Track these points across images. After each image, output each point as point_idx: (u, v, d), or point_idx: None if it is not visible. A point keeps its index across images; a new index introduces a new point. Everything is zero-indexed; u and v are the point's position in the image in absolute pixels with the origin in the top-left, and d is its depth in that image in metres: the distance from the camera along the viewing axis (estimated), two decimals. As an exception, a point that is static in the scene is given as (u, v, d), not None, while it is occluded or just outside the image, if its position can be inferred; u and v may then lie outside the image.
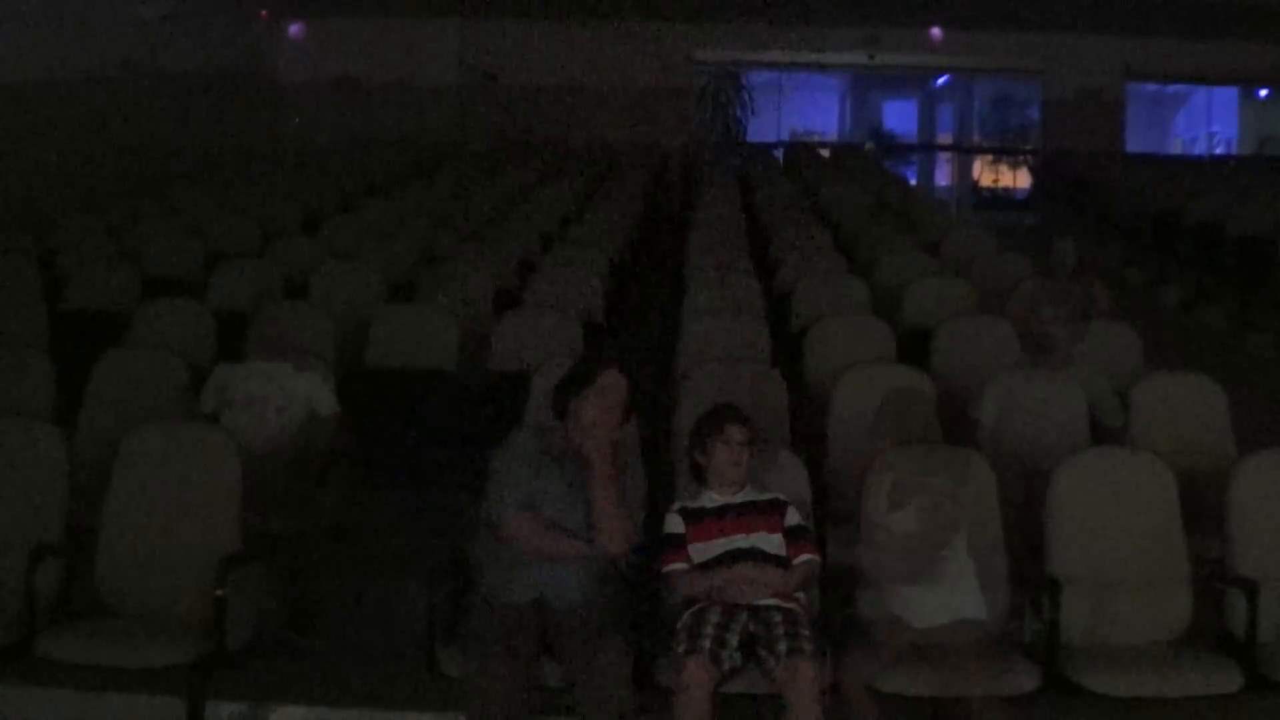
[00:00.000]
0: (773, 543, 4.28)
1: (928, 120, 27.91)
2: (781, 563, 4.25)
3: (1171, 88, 25.11)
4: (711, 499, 4.38)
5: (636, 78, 19.85)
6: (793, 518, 4.35)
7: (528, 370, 5.90)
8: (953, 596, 4.16)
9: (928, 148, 27.02)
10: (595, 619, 4.06)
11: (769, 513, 4.34)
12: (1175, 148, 25.20)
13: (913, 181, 21.50)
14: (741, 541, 4.26)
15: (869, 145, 24.51)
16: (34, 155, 12.67)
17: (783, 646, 3.92)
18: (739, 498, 4.37)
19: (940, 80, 25.96)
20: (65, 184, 12.57)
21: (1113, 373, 6.15)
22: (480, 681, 3.87)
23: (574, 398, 4.28)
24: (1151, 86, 23.91)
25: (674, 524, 4.34)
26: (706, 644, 3.93)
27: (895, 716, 4.09)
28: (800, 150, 21.02)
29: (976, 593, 4.20)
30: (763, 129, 24.11)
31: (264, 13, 19.48)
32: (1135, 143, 22.11)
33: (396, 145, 17.59)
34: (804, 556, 4.28)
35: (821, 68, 23.83)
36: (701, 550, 4.28)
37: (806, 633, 4.02)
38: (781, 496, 4.42)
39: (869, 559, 4.26)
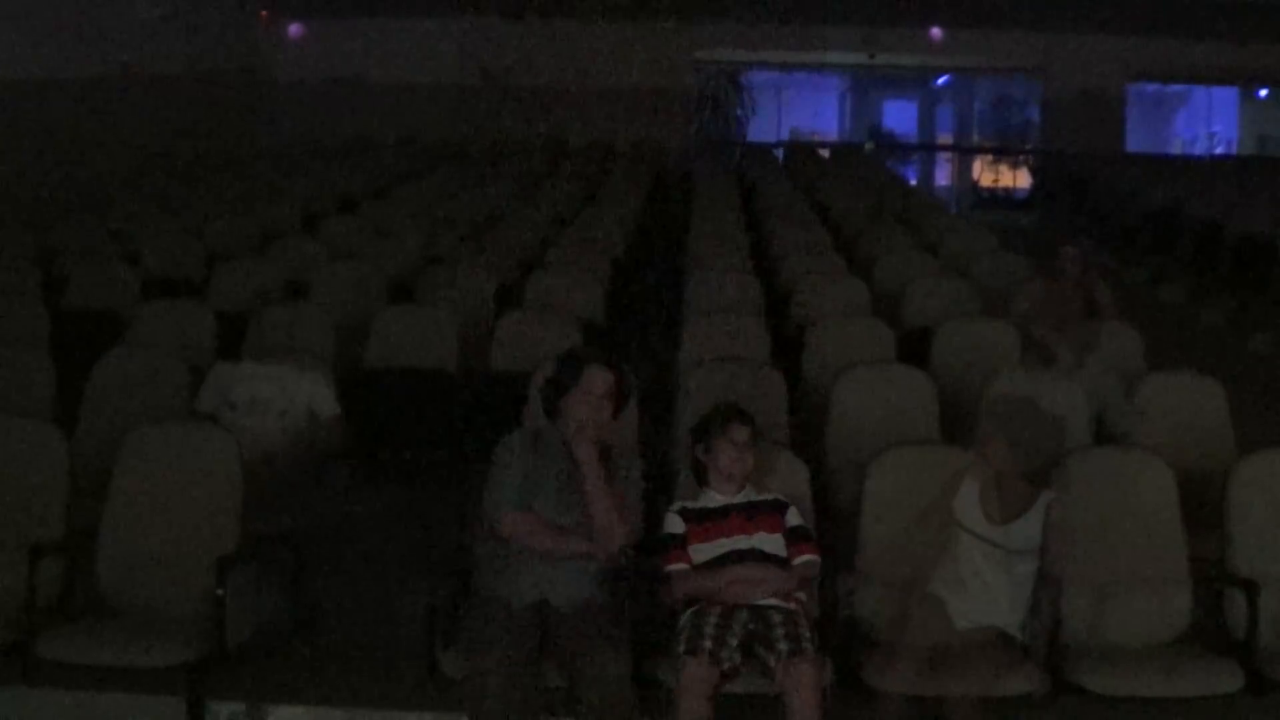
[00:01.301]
0: (773, 543, 4.28)
1: (928, 120, 27.94)
2: (782, 563, 4.25)
3: (1171, 88, 25.12)
4: (713, 499, 4.38)
5: (636, 78, 19.84)
6: (793, 518, 4.35)
7: (528, 370, 5.90)
8: (992, 600, 4.15)
9: (928, 148, 27.04)
10: (595, 619, 4.06)
11: (770, 513, 4.34)
12: (1175, 148, 25.22)
13: (913, 181, 21.51)
14: (742, 542, 4.26)
15: (869, 145, 24.52)
16: (34, 155, 12.67)
17: (783, 646, 3.92)
18: (740, 498, 4.37)
19: (940, 80, 25.97)
20: (65, 184, 12.57)
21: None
22: (480, 682, 3.86)
23: (562, 397, 4.28)
24: (1151, 86, 23.92)
25: (674, 524, 4.33)
26: (706, 644, 3.93)
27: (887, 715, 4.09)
28: (800, 150, 21.02)
29: (1009, 597, 4.19)
30: (763, 129, 24.13)
31: (264, 13, 19.49)
32: (1135, 143, 22.11)
33: (396, 145, 17.59)
34: (804, 557, 4.28)
35: (821, 68, 23.84)
36: (702, 551, 4.28)
37: (807, 633, 4.01)
38: (782, 497, 4.42)
39: (947, 562, 4.22)
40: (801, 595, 4.25)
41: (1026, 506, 4.19)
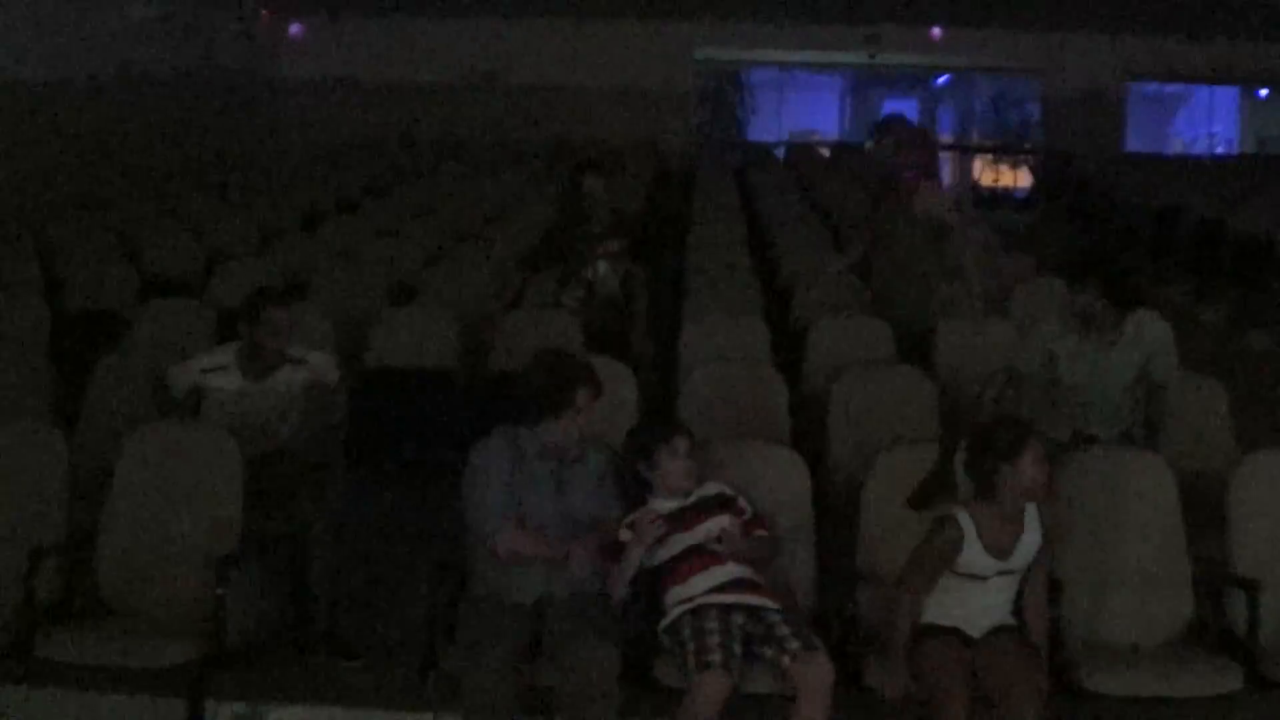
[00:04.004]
0: (730, 523, 4.26)
1: (928, 120, 27.93)
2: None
3: (1171, 88, 25.12)
4: (663, 506, 4.30)
5: (636, 78, 19.84)
6: (745, 506, 4.33)
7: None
8: (997, 606, 4.13)
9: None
10: (587, 612, 4.07)
11: (723, 506, 4.31)
12: (1175, 148, 25.21)
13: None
14: (699, 533, 4.22)
15: (869, 145, 24.50)
16: (34, 155, 12.66)
17: (795, 645, 3.92)
18: (691, 499, 4.32)
19: (940, 79, 25.97)
20: (65, 184, 12.57)
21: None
22: (475, 681, 3.87)
23: (550, 419, 4.25)
24: (1152, 86, 23.91)
25: (624, 536, 4.27)
26: (717, 656, 3.91)
27: (888, 715, 4.09)
28: (800, 150, 21.02)
29: (1008, 599, 4.16)
30: (763, 129, 24.12)
31: (265, 12, 19.49)
32: (1135, 143, 22.11)
33: (396, 145, 17.59)
34: (758, 533, 4.29)
35: (821, 67, 23.83)
36: (665, 549, 4.22)
37: (808, 631, 4.02)
38: (728, 491, 4.36)
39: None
40: (759, 579, 4.21)
41: (1021, 523, 4.11)
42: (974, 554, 4.03)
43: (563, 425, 4.23)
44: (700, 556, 4.19)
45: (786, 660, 3.90)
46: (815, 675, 3.86)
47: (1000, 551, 4.05)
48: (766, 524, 4.37)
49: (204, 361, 5.37)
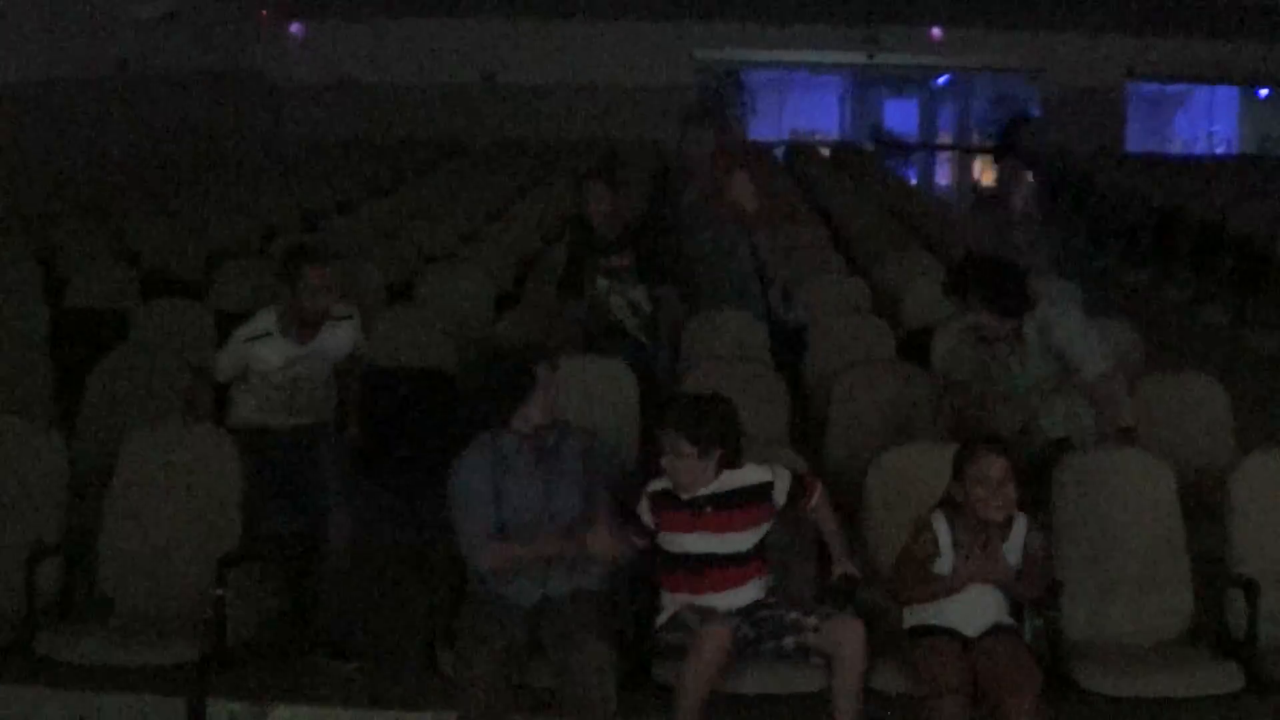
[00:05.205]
0: (744, 541, 4.13)
1: (928, 120, 27.95)
2: (741, 560, 4.13)
3: (1171, 88, 25.15)
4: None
5: (636, 78, 19.86)
6: (780, 496, 4.17)
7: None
8: (984, 605, 4.12)
9: (928, 148, 27.06)
10: (585, 611, 4.06)
11: (747, 506, 4.15)
12: (1175, 148, 25.24)
13: (913, 181, 21.53)
14: (714, 544, 4.10)
15: (869, 145, 24.55)
16: (34, 155, 12.67)
17: (813, 619, 3.95)
18: (712, 489, 4.14)
19: (940, 80, 26.00)
20: (65, 184, 12.58)
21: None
22: (474, 681, 3.87)
23: (519, 405, 4.22)
24: (1151, 86, 23.94)
25: (645, 512, 4.17)
26: (720, 622, 3.92)
27: (888, 716, 4.09)
28: (801, 150, 21.04)
29: (1004, 597, 4.16)
30: (763, 129, 24.12)
31: (264, 13, 19.50)
32: (1135, 143, 22.13)
33: (396, 145, 17.59)
34: (813, 501, 4.22)
35: (821, 67, 23.85)
36: (671, 540, 4.14)
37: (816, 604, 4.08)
38: (765, 476, 4.19)
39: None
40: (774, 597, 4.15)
41: (1006, 536, 4.07)
42: (950, 559, 4.04)
43: (533, 406, 4.20)
44: (720, 571, 4.10)
45: (811, 637, 3.91)
46: (849, 636, 3.88)
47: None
48: (805, 480, 4.25)
49: (245, 331, 5.26)
